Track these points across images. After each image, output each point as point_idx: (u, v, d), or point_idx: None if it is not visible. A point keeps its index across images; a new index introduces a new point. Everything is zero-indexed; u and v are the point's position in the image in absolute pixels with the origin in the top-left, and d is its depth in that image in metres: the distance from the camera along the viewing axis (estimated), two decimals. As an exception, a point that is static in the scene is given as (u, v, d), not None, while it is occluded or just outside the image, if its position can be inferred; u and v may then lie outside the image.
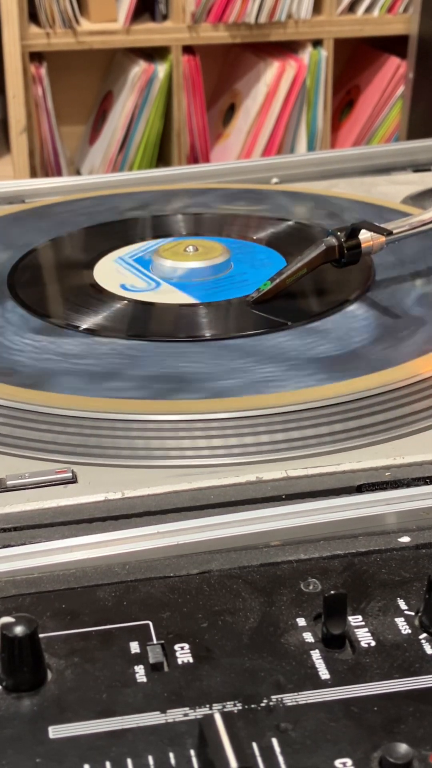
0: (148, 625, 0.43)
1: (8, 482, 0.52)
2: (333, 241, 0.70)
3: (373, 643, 0.42)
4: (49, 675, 0.40)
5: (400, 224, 0.72)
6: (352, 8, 2.04)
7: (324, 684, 0.40)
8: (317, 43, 2.03)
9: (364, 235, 0.71)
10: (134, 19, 1.97)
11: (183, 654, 0.41)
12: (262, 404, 0.56)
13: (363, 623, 0.43)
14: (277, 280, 0.70)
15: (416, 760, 0.36)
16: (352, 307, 0.69)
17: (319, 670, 0.40)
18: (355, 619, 0.43)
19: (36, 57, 1.97)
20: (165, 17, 1.99)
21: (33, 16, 1.93)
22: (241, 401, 0.57)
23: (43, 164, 2.05)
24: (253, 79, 2.07)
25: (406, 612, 0.43)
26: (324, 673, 0.40)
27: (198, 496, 0.52)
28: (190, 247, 0.76)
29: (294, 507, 0.50)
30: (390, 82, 2.07)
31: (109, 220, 0.88)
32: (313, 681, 0.40)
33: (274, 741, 0.37)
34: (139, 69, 1.99)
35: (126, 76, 2.02)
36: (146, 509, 0.51)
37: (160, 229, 0.86)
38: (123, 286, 0.73)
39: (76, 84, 2.13)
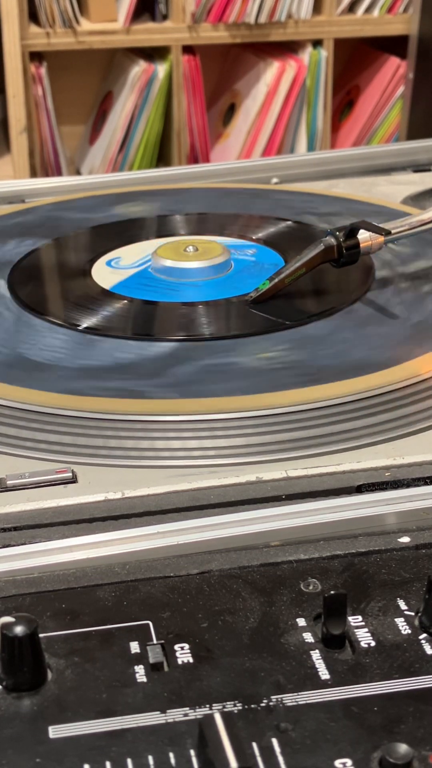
0: (148, 625, 0.43)
1: (8, 482, 0.52)
2: (331, 240, 0.70)
3: (373, 644, 0.42)
4: (49, 675, 0.40)
5: (399, 224, 0.72)
6: (352, 8, 2.04)
7: (324, 684, 0.40)
8: (317, 43, 2.03)
9: (363, 235, 0.71)
10: (134, 19, 1.97)
11: (183, 654, 0.41)
12: (263, 404, 0.56)
13: (363, 623, 0.43)
14: (276, 280, 0.70)
15: (416, 760, 0.36)
16: (352, 307, 0.69)
17: (319, 670, 0.40)
18: (355, 619, 0.43)
19: (36, 57, 1.97)
20: (165, 17, 1.99)
21: (33, 16, 1.93)
22: (242, 401, 0.57)
23: (43, 164, 2.05)
24: (253, 79, 2.07)
25: (406, 612, 0.43)
26: (324, 673, 0.40)
27: (198, 496, 0.52)
28: (190, 247, 0.76)
29: (294, 507, 0.50)
30: (390, 82, 2.07)
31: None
32: (313, 681, 0.40)
33: (274, 741, 0.37)
34: (139, 69, 1.99)
35: (126, 76, 2.02)
36: (146, 509, 0.51)
37: (164, 229, 0.87)
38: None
39: (76, 84, 2.13)
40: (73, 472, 0.53)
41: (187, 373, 0.61)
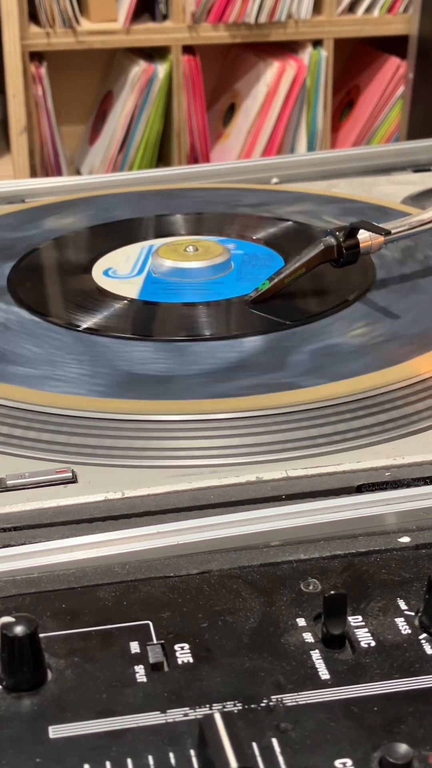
0: (148, 625, 0.43)
1: (8, 482, 0.52)
2: (331, 240, 0.70)
3: (373, 643, 0.42)
4: (49, 675, 0.40)
5: (399, 224, 0.72)
6: (352, 8, 2.04)
7: (324, 684, 0.40)
8: (317, 43, 2.03)
9: (363, 235, 0.71)
10: (134, 19, 1.97)
11: (183, 654, 0.41)
12: (263, 404, 0.56)
13: (363, 623, 0.43)
14: (276, 280, 0.70)
15: (416, 760, 0.36)
16: (352, 307, 0.69)
17: (319, 670, 0.40)
18: (355, 619, 0.43)
19: (36, 57, 1.97)
20: (165, 17, 1.99)
21: (33, 16, 1.94)
22: (242, 401, 0.57)
23: (43, 164, 2.05)
24: (253, 79, 2.07)
25: (406, 612, 0.43)
26: (324, 673, 0.40)
27: (198, 496, 0.52)
28: (190, 247, 0.76)
29: (294, 507, 0.50)
30: (390, 82, 2.07)
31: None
32: (313, 681, 0.40)
33: (274, 741, 0.37)
34: (139, 69, 1.99)
35: (126, 76, 2.02)
36: (146, 509, 0.51)
37: (161, 229, 0.86)
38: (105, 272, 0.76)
39: (76, 84, 2.13)
40: (73, 472, 0.53)
41: (186, 374, 0.61)
